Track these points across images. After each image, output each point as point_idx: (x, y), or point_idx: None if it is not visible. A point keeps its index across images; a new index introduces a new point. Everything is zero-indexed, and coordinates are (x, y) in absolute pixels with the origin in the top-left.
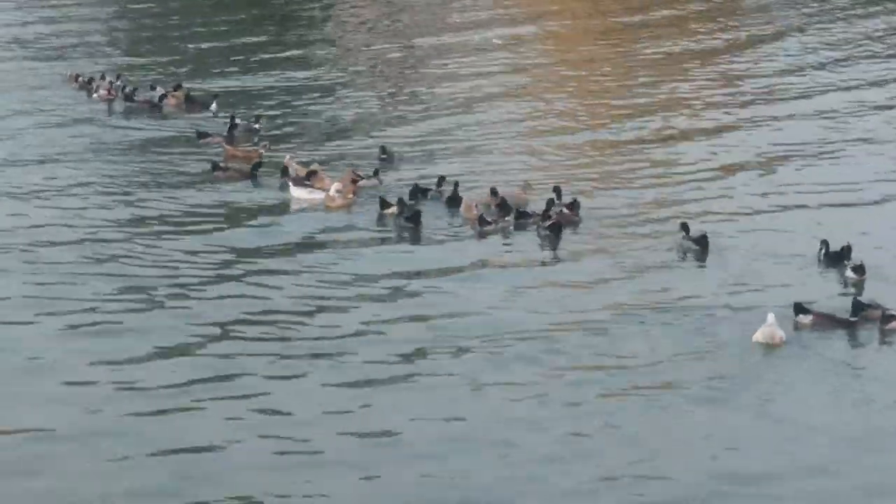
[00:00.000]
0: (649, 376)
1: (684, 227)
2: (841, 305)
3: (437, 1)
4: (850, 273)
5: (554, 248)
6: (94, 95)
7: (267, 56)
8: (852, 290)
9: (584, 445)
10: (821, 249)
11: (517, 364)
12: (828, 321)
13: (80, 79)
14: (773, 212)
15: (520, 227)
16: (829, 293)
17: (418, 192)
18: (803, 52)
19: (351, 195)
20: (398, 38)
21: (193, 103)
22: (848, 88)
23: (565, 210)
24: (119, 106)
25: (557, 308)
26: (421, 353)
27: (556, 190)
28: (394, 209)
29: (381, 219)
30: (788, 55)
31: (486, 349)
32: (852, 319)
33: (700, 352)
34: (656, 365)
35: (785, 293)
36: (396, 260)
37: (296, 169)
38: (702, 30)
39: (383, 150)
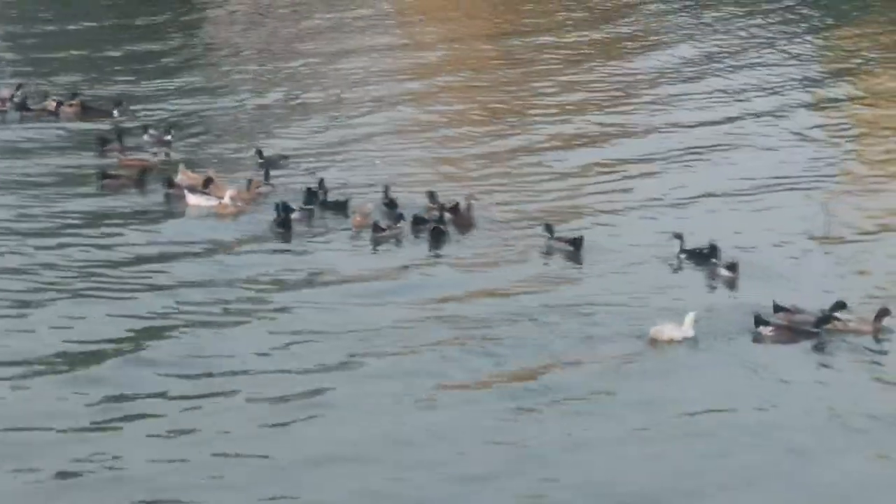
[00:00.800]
0: (533, 381)
1: (548, 228)
2: (724, 303)
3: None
4: (723, 271)
5: (437, 253)
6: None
7: (158, 61)
8: (726, 288)
9: (477, 455)
10: (679, 250)
11: (408, 376)
12: (789, 332)
13: None
14: (648, 212)
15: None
16: (700, 291)
17: (312, 195)
18: (688, 57)
19: (241, 203)
20: (287, 41)
21: (91, 111)
22: (727, 92)
23: (448, 214)
24: (13, 116)
25: (441, 314)
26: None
27: (431, 194)
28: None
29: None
30: (676, 61)
31: (367, 361)
32: (814, 330)
33: (584, 354)
34: (546, 369)
35: (661, 293)
36: (268, 265)
37: (191, 178)
38: (593, 33)
39: (260, 153)
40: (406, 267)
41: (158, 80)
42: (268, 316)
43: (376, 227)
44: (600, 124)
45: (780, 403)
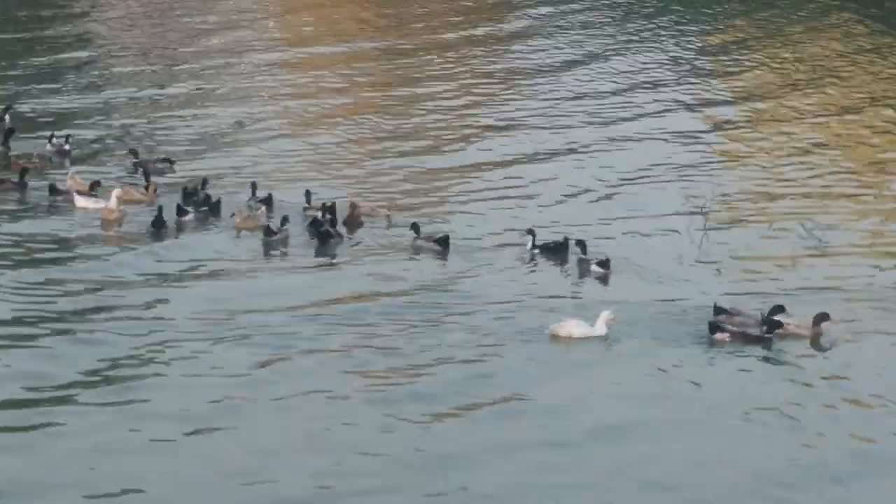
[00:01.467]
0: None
1: (415, 227)
2: (591, 299)
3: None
4: (595, 267)
5: (326, 255)
6: None
7: (38, 60)
8: (599, 283)
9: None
10: (531, 244)
11: (299, 379)
12: (742, 338)
13: None
14: (515, 210)
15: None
16: (569, 287)
17: (189, 196)
18: (567, 55)
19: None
20: (171, 40)
21: None
22: (606, 90)
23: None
24: None
25: (330, 315)
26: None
27: (253, 186)
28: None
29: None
30: (552, 59)
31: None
32: (767, 336)
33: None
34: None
35: (530, 287)
36: (141, 266)
37: (78, 183)
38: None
39: (134, 153)
40: (293, 268)
41: (44, 84)
42: (138, 316)
43: (268, 231)
44: (477, 120)
45: (692, 404)
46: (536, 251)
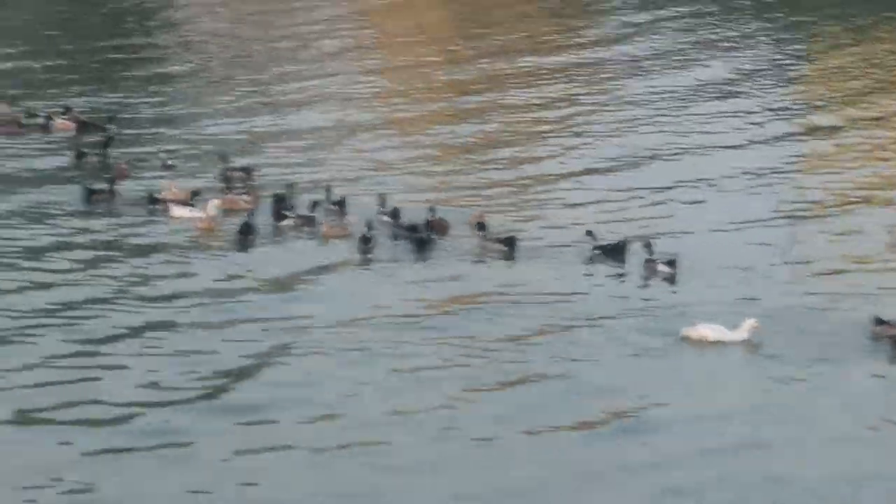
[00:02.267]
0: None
1: (481, 226)
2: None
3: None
4: (662, 267)
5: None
6: None
7: (136, 73)
8: (667, 284)
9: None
10: (593, 246)
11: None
12: None
13: None
14: (598, 214)
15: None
16: (634, 288)
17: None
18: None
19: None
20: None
21: (87, 126)
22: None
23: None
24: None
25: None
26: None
27: (328, 189)
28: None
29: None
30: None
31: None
32: None
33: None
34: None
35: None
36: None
37: (175, 193)
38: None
39: (223, 158)
40: (391, 276)
41: (136, 93)
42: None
43: (364, 240)
44: (560, 124)
45: (840, 416)
46: (597, 252)
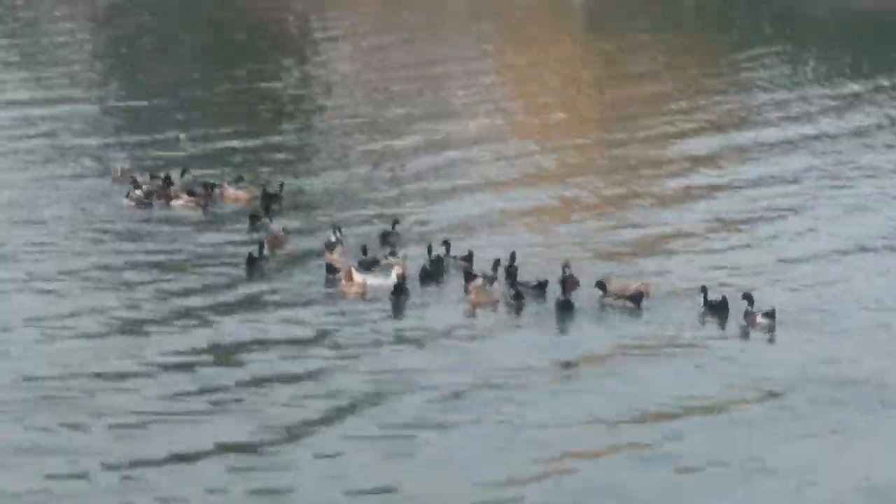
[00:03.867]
0: None
1: (601, 285)
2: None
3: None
4: (761, 319)
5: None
6: (125, 201)
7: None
8: (766, 334)
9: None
10: (702, 298)
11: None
12: None
13: (125, 173)
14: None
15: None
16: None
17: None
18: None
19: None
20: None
21: (269, 196)
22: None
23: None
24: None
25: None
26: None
27: (447, 244)
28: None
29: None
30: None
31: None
32: None
33: None
34: None
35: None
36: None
37: (335, 260)
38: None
39: (394, 223)
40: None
41: (302, 162)
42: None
43: (517, 296)
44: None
45: None
46: (704, 309)
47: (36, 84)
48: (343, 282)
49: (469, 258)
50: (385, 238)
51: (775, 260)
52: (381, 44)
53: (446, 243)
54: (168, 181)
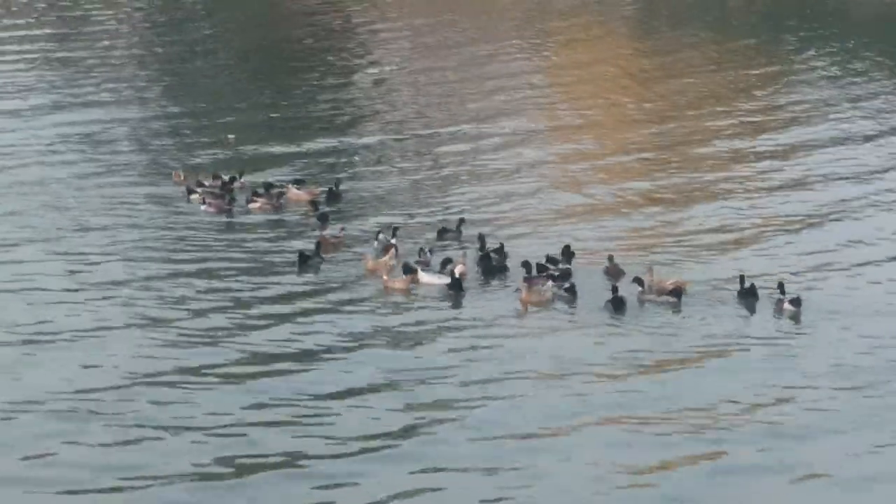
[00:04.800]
0: None
1: (639, 281)
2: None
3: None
4: (788, 306)
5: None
6: (203, 207)
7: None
8: (791, 321)
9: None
10: (741, 284)
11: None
12: None
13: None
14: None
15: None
16: (767, 325)
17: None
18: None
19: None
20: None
21: (331, 193)
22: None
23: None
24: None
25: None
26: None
27: (481, 238)
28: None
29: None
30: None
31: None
32: None
33: None
34: None
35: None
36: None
37: (379, 264)
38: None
39: (461, 221)
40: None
41: (366, 164)
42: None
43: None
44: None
45: None
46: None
47: (79, 87)
48: (385, 277)
49: (500, 251)
50: (442, 235)
51: (823, 258)
52: (428, 43)
53: (481, 236)
54: (232, 183)
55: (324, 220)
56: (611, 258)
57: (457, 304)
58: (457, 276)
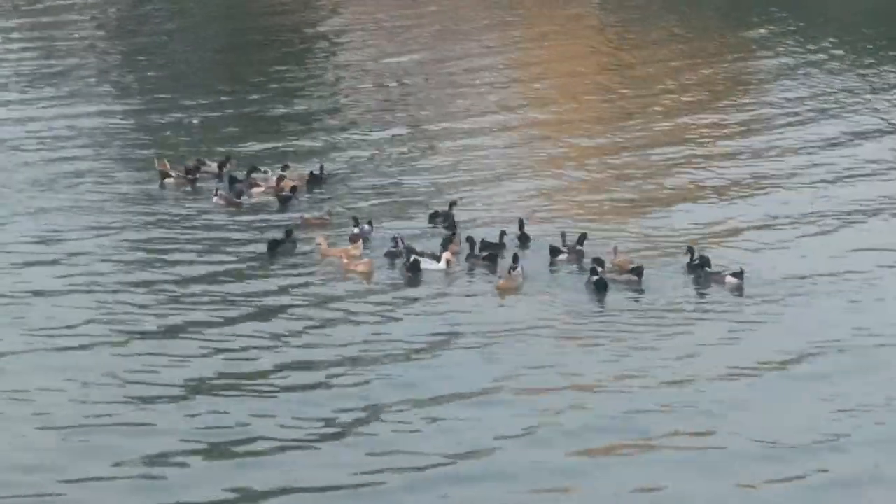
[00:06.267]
0: None
1: (598, 260)
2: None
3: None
4: (730, 279)
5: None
6: (214, 199)
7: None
8: (735, 294)
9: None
10: (689, 257)
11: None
12: None
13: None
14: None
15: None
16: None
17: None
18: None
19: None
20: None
21: (315, 178)
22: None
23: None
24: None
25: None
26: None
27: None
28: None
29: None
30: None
31: None
32: None
33: None
34: None
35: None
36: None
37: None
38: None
39: (452, 204)
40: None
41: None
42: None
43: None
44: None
45: None
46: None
47: (45, 81)
48: (344, 260)
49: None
50: (434, 218)
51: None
52: (400, 36)
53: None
54: (223, 166)
55: (285, 201)
56: (581, 238)
57: (413, 284)
58: (442, 261)
